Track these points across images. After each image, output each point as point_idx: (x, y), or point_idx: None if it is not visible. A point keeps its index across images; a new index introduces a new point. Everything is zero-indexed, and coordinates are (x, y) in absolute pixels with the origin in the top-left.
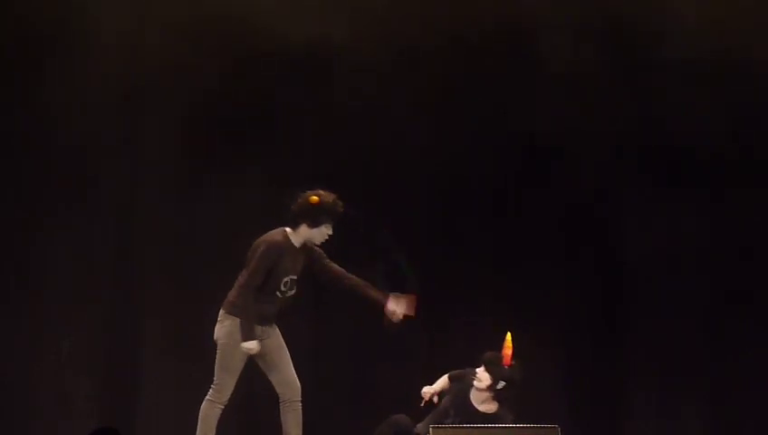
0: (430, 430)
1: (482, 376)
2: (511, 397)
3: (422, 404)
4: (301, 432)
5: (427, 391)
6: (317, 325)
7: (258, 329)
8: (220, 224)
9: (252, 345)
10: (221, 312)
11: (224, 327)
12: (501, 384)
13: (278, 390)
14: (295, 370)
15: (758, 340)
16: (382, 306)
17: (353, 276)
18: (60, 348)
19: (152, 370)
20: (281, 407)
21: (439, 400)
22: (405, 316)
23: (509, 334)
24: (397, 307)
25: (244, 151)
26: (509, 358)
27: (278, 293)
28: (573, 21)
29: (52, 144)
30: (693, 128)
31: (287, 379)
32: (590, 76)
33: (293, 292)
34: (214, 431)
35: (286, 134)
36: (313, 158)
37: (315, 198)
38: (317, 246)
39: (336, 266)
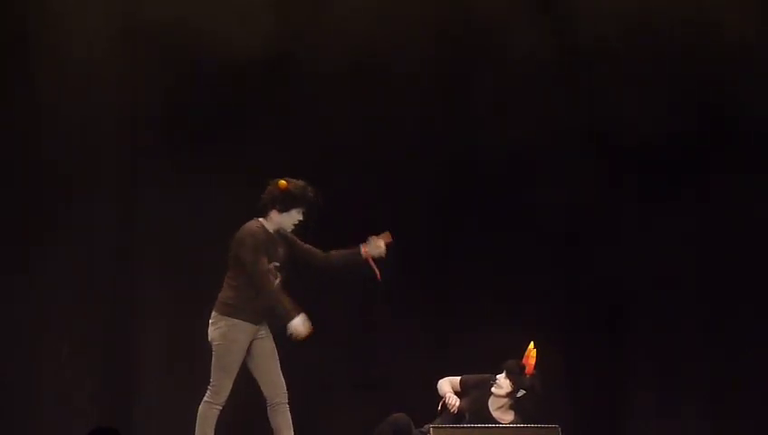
0: (430, 430)
1: (502, 383)
2: (529, 407)
3: (454, 412)
4: (292, 433)
5: (454, 403)
6: (317, 325)
7: (253, 328)
8: (220, 224)
9: (299, 321)
10: (213, 313)
11: (218, 329)
12: (521, 393)
13: (265, 392)
14: (295, 369)
15: (758, 340)
16: (359, 256)
17: (326, 252)
18: (60, 351)
19: (152, 370)
20: (269, 410)
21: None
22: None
23: (532, 343)
24: (376, 244)
25: (245, 151)
26: (532, 367)
27: None
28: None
29: (51, 144)
30: (691, 127)
31: (275, 381)
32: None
33: (278, 279)
34: (212, 432)
35: (283, 135)
36: (309, 159)
37: (284, 182)
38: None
39: (309, 246)
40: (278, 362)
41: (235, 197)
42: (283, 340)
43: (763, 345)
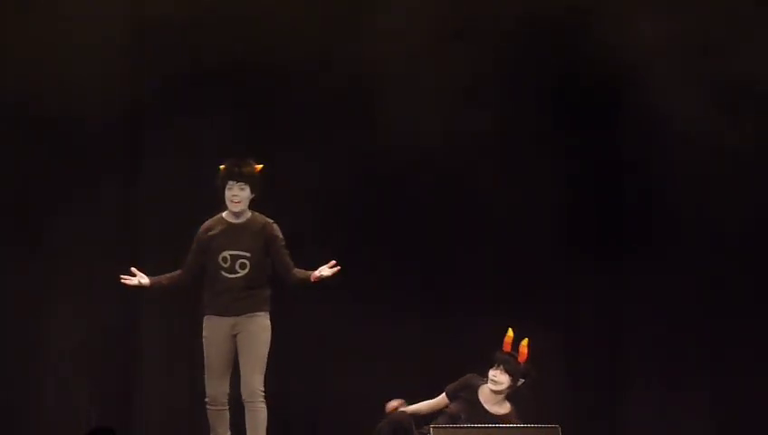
0: (431, 430)
1: (500, 378)
2: (526, 394)
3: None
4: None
5: (395, 405)
6: (316, 325)
7: (224, 321)
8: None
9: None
10: None
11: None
12: (521, 382)
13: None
14: (293, 368)
15: (758, 340)
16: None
17: (298, 271)
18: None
19: (152, 370)
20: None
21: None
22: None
23: (510, 330)
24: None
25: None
26: (525, 355)
27: (223, 272)
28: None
29: (51, 143)
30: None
31: (245, 378)
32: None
33: (245, 272)
34: (219, 431)
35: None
36: (308, 159)
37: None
38: (233, 208)
39: (286, 259)
40: (255, 357)
41: None
42: (281, 337)
43: (764, 345)
